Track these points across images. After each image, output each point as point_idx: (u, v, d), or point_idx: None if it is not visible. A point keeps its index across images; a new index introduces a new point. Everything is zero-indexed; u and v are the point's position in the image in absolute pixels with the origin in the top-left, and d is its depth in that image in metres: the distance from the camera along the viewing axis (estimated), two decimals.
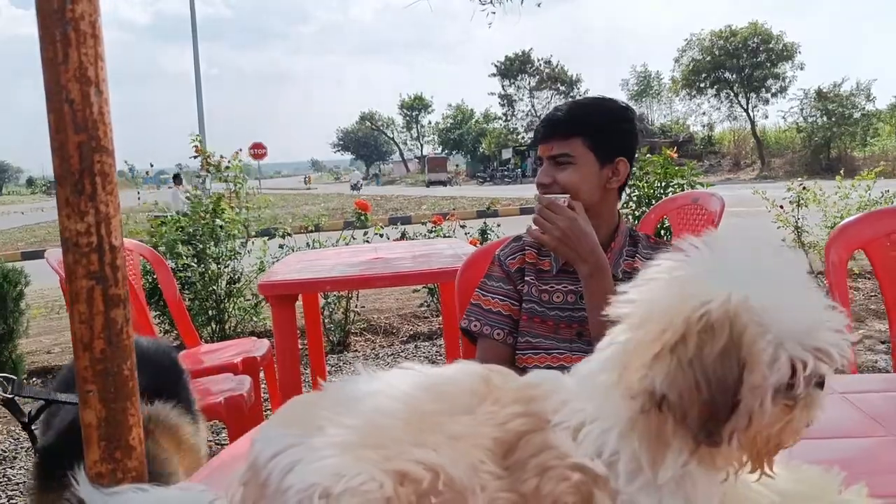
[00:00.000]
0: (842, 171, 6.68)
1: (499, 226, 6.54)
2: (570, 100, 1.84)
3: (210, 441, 3.79)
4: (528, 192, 25.18)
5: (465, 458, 0.69)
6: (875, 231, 1.98)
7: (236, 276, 5.57)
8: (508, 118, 51.94)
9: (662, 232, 5.16)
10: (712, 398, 0.65)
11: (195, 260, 5.26)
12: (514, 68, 50.22)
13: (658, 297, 0.71)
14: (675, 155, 6.47)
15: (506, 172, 44.29)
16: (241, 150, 6.13)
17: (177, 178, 15.17)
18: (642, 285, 0.73)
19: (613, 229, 1.72)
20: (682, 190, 5.97)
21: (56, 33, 0.80)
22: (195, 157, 5.91)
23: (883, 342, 4.44)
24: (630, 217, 6.24)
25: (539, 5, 9.20)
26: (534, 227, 1.61)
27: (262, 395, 3.98)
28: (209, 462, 1.06)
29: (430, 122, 63.51)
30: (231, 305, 5.50)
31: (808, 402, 0.70)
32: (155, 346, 2.00)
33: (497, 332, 1.71)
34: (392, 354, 5.29)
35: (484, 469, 0.69)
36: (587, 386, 0.73)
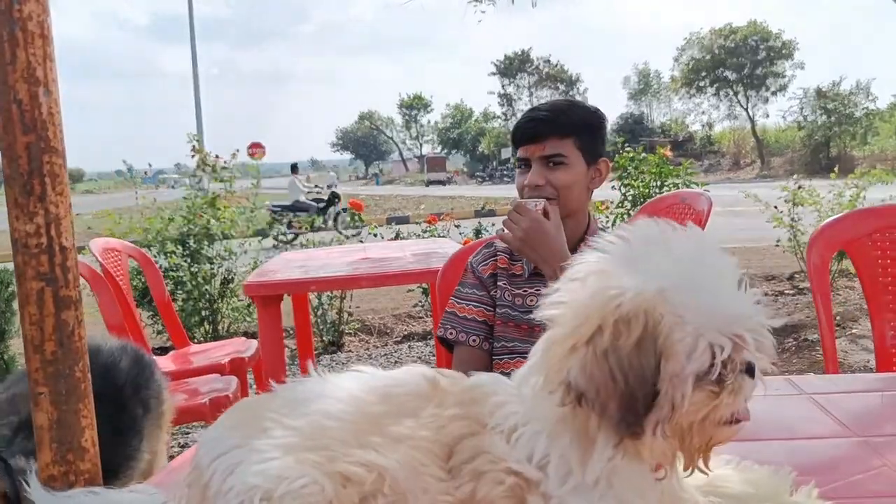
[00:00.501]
0: (836, 170, 6.67)
1: (493, 225, 6.53)
2: (543, 102, 1.83)
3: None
4: None
5: (407, 461, 0.68)
6: (856, 231, 1.97)
7: (230, 276, 5.56)
8: (508, 117, 51.94)
9: None
10: (629, 389, 0.65)
11: (188, 260, 5.26)
12: (513, 67, 50.22)
13: (577, 294, 0.71)
14: (670, 154, 6.47)
15: (505, 172, 44.26)
16: (238, 150, 6.12)
17: (294, 168, 17.21)
18: (567, 284, 0.73)
19: (585, 228, 1.72)
20: (678, 189, 5.97)
21: (3, 33, 0.79)
22: (192, 155, 5.89)
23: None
24: (624, 217, 6.24)
25: (534, 5, 9.20)
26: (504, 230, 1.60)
27: (252, 395, 3.98)
28: (170, 463, 1.05)
29: (429, 122, 63.54)
30: (224, 306, 5.49)
31: (734, 388, 0.69)
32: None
33: (473, 338, 1.71)
34: (386, 354, 5.29)
35: (426, 472, 0.68)
36: (521, 388, 0.73)
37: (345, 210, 13.58)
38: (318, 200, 15.20)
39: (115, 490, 0.83)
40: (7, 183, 0.82)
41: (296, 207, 14.56)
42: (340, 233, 12.94)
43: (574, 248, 1.61)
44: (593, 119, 1.71)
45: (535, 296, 1.68)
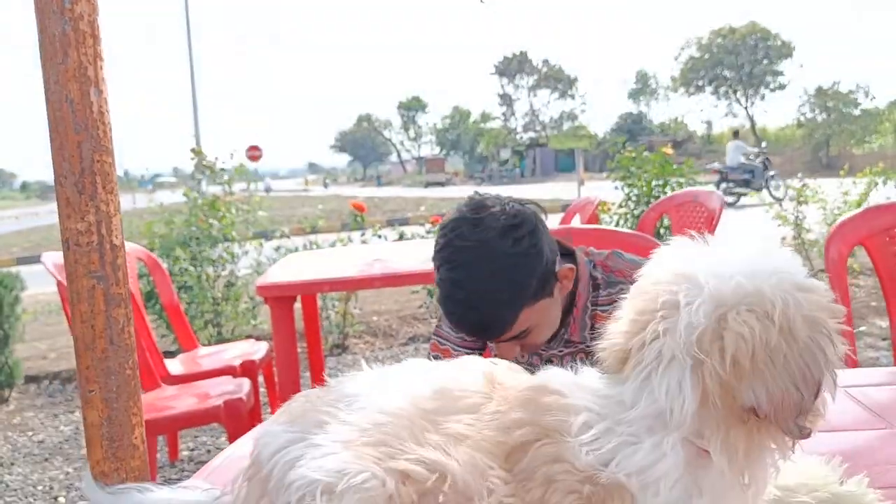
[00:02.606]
0: (846, 167, 6.67)
1: None
2: (454, 265, 1.32)
3: (209, 445, 3.79)
4: (526, 192, 25.10)
5: (470, 460, 0.68)
6: (874, 227, 1.98)
7: (233, 279, 5.56)
8: (507, 118, 52.00)
9: (662, 231, 5.17)
10: (801, 394, 0.67)
11: (192, 262, 5.26)
12: (512, 68, 50.28)
13: (709, 310, 0.69)
14: (672, 152, 6.48)
15: (504, 172, 44.29)
16: (234, 151, 6.11)
17: (736, 134, 19.89)
18: (669, 309, 0.72)
19: (570, 304, 1.50)
20: (681, 188, 5.98)
21: (55, 32, 0.80)
22: (192, 158, 5.90)
23: (884, 339, 4.44)
24: (629, 216, 6.25)
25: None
26: None
27: (262, 397, 3.98)
28: (208, 463, 1.06)
29: (427, 123, 63.57)
30: (228, 308, 5.49)
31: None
32: None
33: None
34: (391, 357, 5.29)
35: (492, 473, 0.68)
36: (618, 403, 0.72)
37: (773, 176, 15.90)
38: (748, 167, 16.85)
39: (167, 486, 0.84)
40: (58, 181, 0.82)
41: (738, 169, 16.40)
42: (773, 197, 14.59)
43: (564, 323, 1.48)
44: (527, 265, 1.33)
45: None
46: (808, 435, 0.68)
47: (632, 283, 0.78)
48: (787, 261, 0.71)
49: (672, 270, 0.74)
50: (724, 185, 15.73)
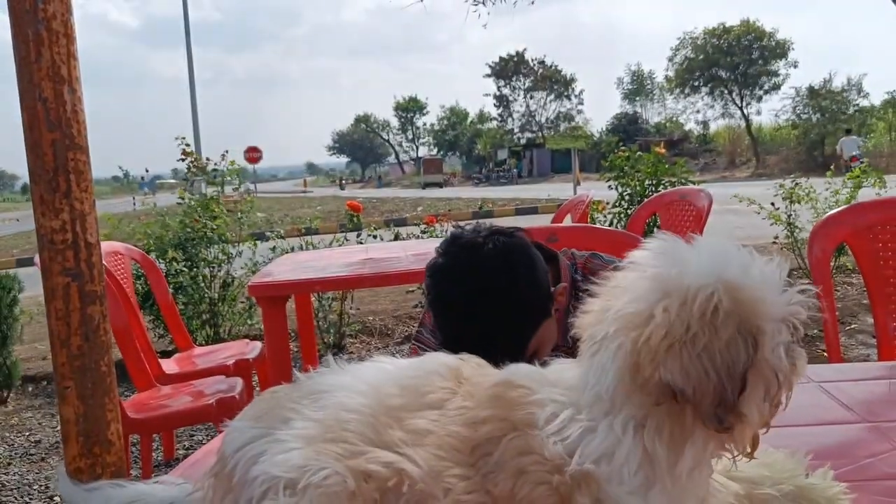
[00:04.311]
0: (833, 168, 6.70)
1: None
2: (457, 313, 1.31)
3: (204, 443, 3.80)
4: (523, 192, 25.15)
5: (430, 461, 0.69)
6: (858, 224, 1.99)
7: (229, 280, 5.56)
8: (504, 118, 52.00)
9: (655, 229, 5.18)
10: (722, 384, 0.67)
11: (187, 264, 5.26)
12: (508, 69, 50.27)
13: (649, 298, 0.72)
14: (664, 151, 6.50)
15: (501, 173, 44.28)
16: (227, 151, 6.09)
17: (849, 131, 24.53)
18: (616, 295, 0.75)
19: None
20: (674, 187, 5.99)
21: (28, 32, 0.81)
22: (183, 159, 5.89)
23: (874, 336, 4.44)
24: (622, 215, 6.26)
25: (532, 2, 9.21)
26: None
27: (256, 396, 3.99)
28: (185, 460, 1.06)
29: (424, 124, 63.57)
30: (225, 309, 5.50)
31: (799, 354, 0.75)
32: None
33: None
34: (387, 356, 5.29)
35: (449, 473, 0.69)
36: (574, 390, 0.74)
37: None
38: None
39: (140, 482, 0.84)
40: (33, 180, 0.83)
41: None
42: None
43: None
44: (528, 309, 1.32)
45: None
46: (729, 429, 0.69)
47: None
48: (737, 261, 0.72)
49: (632, 265, 0.76)
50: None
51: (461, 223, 1.39)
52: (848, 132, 24.67)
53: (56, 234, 0.83)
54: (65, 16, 0.82)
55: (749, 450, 0.74)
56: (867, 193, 5.97)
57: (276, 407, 0.75)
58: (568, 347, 1.40)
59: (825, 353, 2.08)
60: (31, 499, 3.32)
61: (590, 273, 1.51)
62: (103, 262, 2.90)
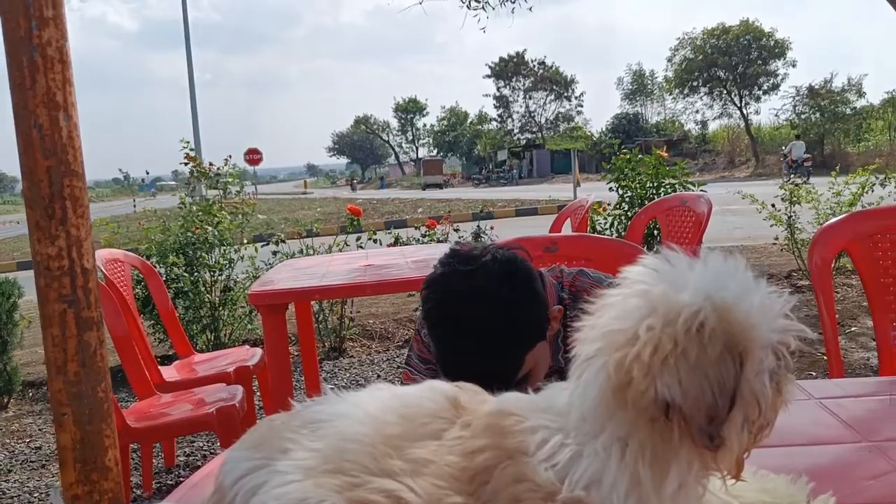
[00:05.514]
0: (837, 169, 6.68)
1: (492, 228, 6.55)
2: (454, 319, 1.29)
3: (205, 451, 3.79)
4: (523, 193, 25.16)
5: (429, 490, 0.69)
6: (857, 232, 1.99)
7: (230, 284, 5.56)
8: (504, 119, 52.01)
9: (656, 233, 5.18)
10: (714, 399, 0.67)
11: (188, 269, 5.26)
12: (508, 69, 50.28)
13: (635, 316, 0.72)
14: (666, 154, 6.49)
15: (501, 174, 44.28)
16: (230, 156, 6.10)
17: (798, 136, 26.92)
18: (604, 314, 0.74)
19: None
20: (674, 190, 5.99)
21: (23, 59, 0.81)
22: (186, 163, 5.89)
23: (875, 339, 4.44)
24: (623, 218, 6.26)
25: (530, 8, 9.21)
26: None
27: (257, 403, 3.98)
28: (188, 479, 1.06)
29: (424, 125, 63.59)
30: (226, 314, 5.50)
31: (786, 381, 0.74)
32: None
33: None
34: (388, 360, 5.29)
35: (448, 501, 0.69)
36: (564, 414, 0.73)
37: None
38: None
39: None
40: (29, 206, 0.83)
41: None
42: None
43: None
44: (525, 322, 1.30)
45: None
46: (719, 447, 0.69)
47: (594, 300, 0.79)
48: (734, 284, 0.72)
49: (623, 282, 0.76)
50: None
51: (460, 241, 1.37)
52: (798, 137, 27.22)
53: (52, 261, 0.83)
54: (59, 42, 0.82)
55: (734, 472, 0.74)
56: (878, 193, 5.94)
57: (275, 436, 0.74)
58: (559, 368, 1.41)
59: (825, 357, 2.08)
60: None
61: (577, 291, 1.50)
62: (104, 269, 2.89)
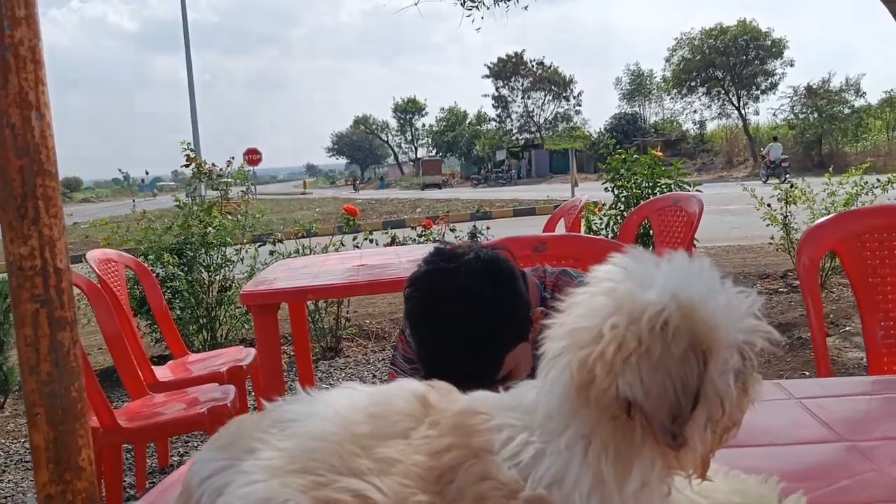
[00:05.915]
0: (831, 168, 6.68)
1: (488, 228, 6.56)
2: (436, 315, 1.29)
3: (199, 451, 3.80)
4: (522, 193, 25.16)
5: (396, 489, 0.69)
6: (845, 233, 1.99)
7: (227, 284, 5.56)
8: (502, 119, 52.01)
9: (651, 233, 5.17)
10: (677, 398, 0.67)
11: (185, 269, 5.26)
12: (507, 70, 50.28)
13: (600, 314, 0.72)
14: (661, 154, 6.49)
15: (500, 174, 44.29)
16: (233, 158, 6.10)
17: (776, 139, 27.91)
18: (571, 311, 0.74)
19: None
20: (670, 190, 5.99)
21: None
22: (186, 165, 5.89)
23: None
24: (619, 218, 6.26)
25: (525, 8, 9.21)
26: None
27: (251, 403, 3.98)
28: (163, 480, 1.06)
29: (423, 125, 63.59)
30: (222, 313, 5.50)
31: (753, 381, 0.74)
32: None
33: None
34: (384, 360, 5.29)
35: (415, 499, 0.69)
36: (530, 413, 0.73)
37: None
38: None
39: None
40: (1, 206, 0.83)
41: None
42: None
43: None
44: (507, 321, 1.29)
45: None
46: (682, 445, 0.68)
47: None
48: (700, 283, 0.72)
49: (592, 280, 0.76)
50: None
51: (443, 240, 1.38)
52: (775, 139, 28.30)
53: (25, 261, 0.83)
54: (32, 41, 0.82)
55: (699, 471, 0.74)
56: (880, 195, 5.92)
57: (244, 436, 0.74)
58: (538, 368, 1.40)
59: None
60: None
61: (558, 290, 1.49)
62: (97, 269, 2.88)
